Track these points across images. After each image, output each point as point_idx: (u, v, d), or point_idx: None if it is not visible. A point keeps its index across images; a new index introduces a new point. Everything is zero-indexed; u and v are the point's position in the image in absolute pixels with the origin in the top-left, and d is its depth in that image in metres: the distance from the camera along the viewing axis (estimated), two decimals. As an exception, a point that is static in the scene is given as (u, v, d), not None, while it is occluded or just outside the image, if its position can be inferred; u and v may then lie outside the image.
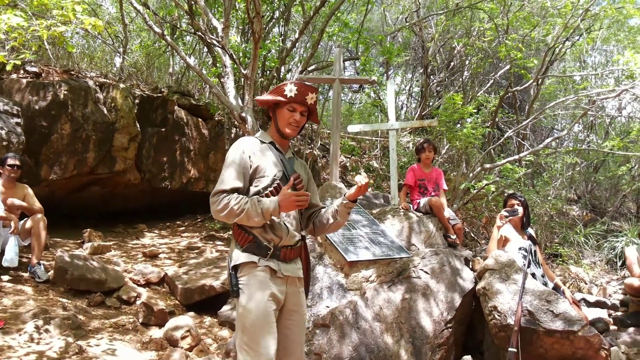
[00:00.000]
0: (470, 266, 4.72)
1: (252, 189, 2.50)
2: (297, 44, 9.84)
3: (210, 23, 7.44)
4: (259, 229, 2.48)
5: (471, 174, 8.10)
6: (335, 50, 6.61)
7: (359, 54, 10.36)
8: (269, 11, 9.51)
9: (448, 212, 5.32)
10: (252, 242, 2.47)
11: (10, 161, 5.01)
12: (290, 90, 2.54)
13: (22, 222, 5.01)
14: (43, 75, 7.16)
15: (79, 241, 6.62)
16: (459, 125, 8.96)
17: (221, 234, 7.94)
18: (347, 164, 10.28)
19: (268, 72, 9.56)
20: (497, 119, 10.57)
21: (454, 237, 5.07)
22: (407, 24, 11.94)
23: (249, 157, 2.53)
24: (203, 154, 8.85)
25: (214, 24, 7.27)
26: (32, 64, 7.24)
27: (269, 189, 2.49)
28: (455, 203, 7.54)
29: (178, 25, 10.06)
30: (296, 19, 11.38)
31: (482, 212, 8.54)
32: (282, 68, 9.86)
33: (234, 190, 2.43)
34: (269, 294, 2.40)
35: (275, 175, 2.52)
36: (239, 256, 2.46)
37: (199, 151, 8.78)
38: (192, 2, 7.69)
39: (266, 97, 2.62)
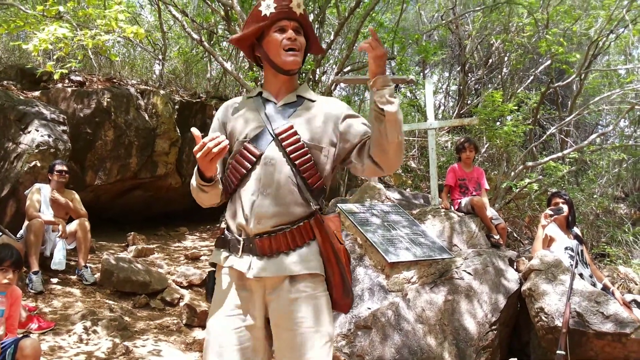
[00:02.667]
0: (515, 267, 4.61)
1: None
2: (332, 46, 9.84)
3: (246, 28, 7.51)
4: (228, 212, 1.88)
5: (513, 173, 7.93)
6: (372, 51, 6.58)
7: (395, 53, 10.28)
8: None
9: (490, 212, 5.22)
10: (222, 233, 1.90)
11: (58, 167, 5.17)
12: (267, 6, 1.86)
13: (68, 225, 5.17)
14: (87, 83, 7.39)
15: (123, 244, 6.79)
16: (499, 123, 8.78)
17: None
18: (385, 165, 10.20)
19: (304, 74, 9.60)
20: (538, 116, 10.30)
21: (497, 237, 4.96)
22: (443, 22, 11.78)
23: (224, 124, 1.96)
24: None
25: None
26: (77, 73, 7.48)
27: (235, 156, 1.85)
28: (497, 202, 7.39)
29: (215, 31, 10.21)
30: (331, 20, 11.38)
31: (525, 212, 8.33)
32: (318, 70, 9.87)
33: None
34: (232, 307, 1.77)
35: (245, 136, 1.85)
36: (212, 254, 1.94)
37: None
38: (229, 8, 7.79)
39: (241, 33, 1.96)
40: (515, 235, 8.07)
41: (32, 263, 4.60)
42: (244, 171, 1.81)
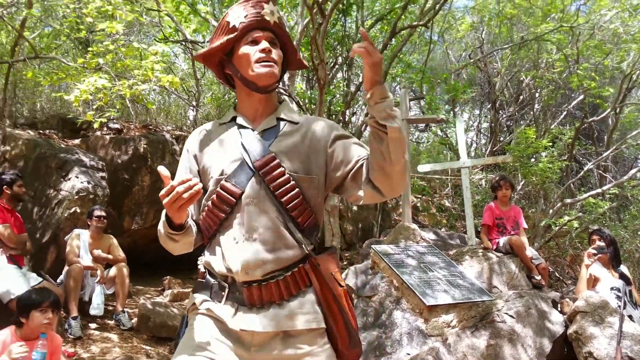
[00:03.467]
0: (559, 309, 4.43)
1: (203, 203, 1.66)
2: (361, 87, 9.95)
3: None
4: (211, 257, 1.62)
5: (551, 210, 7.74)
6: (401, 92, 6.63)
7: (424, 93, 10.33)
8: (332, 57, 9.73)
9: (530, 252, 5.07)
10: (202, 277, 1.65)
11: (97, 213, 5.28)
12: (235, 16, 1.61)
13: (106, 271, 5.24)
14: (124, 131, 7.63)
15: (159, 288, 6.83)
16: (533, 159, 8.65)
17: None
18: (418, 204, 10.11)
19: (334, 116, 9.71)
20: (574, 152, 10.11)
21: (538, 277, 4.81)
22: (472, 60, 11.83)
23: (195, 156, 1.70)
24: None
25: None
26: (115, 121, 7.74)
27: (212, 197, 1.59)
28: (537, 241, 7.19)
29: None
30: (359, 63, 11.56)
31: (566, 250, 8.07)
32: (347, 111, 9.98)
33: None
34: (202, 348, 1.49)
35: (221, 173, 1.59)
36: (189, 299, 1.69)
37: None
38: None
39: (207, 48, 1.69)
40: (557, 275, 7.80)
41: (72, 308, 4.64)
42: (223, 215, 1.57)
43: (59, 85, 7.60)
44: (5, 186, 4.64)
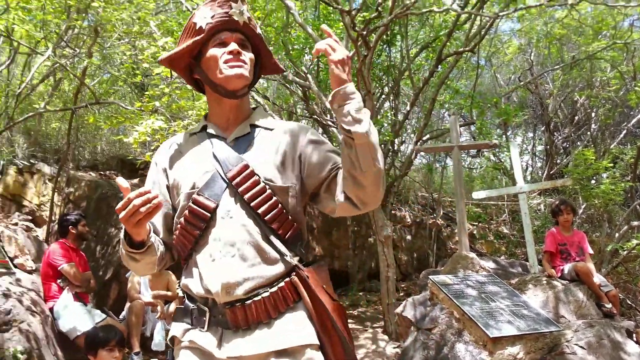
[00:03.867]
0: (635, 339, 4.16)
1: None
2: (409, 116, 9.92)
3: (324, 105, 7.79)
4: (187, 279, 1.51)
5: (617, 234, 7.35)
6: (451, 118, 6.57)
7: (474, 118, 10.18)
8: (378, 88, 9.77)
9: (598, 278, 4.82)
10: (181, 303, 1.55)
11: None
12: (202, 17, 1.50)
13: (166, 306, 5.33)
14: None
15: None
16: (594, 181, 8.29)
17: (350, 311, 7.85)
18: (475, 232, 9.85)
19: (383, 146, 9.68)
20: (638, 172, 9.63)
21: (609, 305, 4.55)
22: (522, 83, 11.61)
23: (164, 169, 1.59)
24: (326, 231, 8.99)
25: (327, 106, 7.60)
26: (170, 160, 7.99)
27: (184, 213, 1.49)
28: (604, 267, 6.82)
29: (295, 111, 10.66)
30: (405, 91, 11.56)
31: (636, 276, 7.61)
32: (396, 140, 9.94)
33: None
34: None
35: (193, 187, 1.49)
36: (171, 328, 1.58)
37: (322, 229, 8.93)
38: (306, 89, 8.14)
39: (172, 51, 1.57)
40: (629, 302, 7.34)
41: (134, 344, 4.73)
42: (198, 231, 1.46)
43: (118, 128, 7.96)
44: (70, 226, 4.86)
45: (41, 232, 6.00)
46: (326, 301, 1.43)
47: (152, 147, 6.57)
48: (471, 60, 10.91)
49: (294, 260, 1.45)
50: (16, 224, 5.72)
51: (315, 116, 7.87)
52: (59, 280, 4.60)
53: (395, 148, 9.92)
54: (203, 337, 1.43)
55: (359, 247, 8.56)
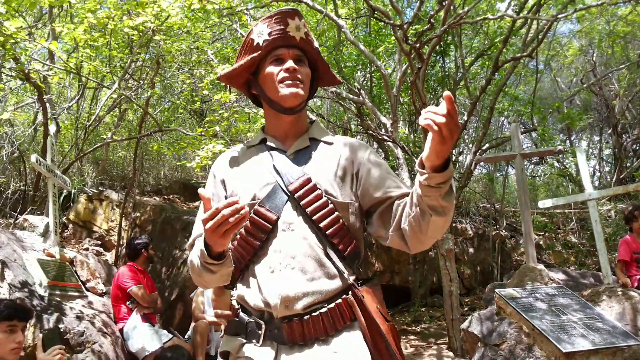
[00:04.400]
0: None
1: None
2: (466, 125, 9.73)
3: (378, 120, 7.77)
4: (243, 292, 1.50)
5: (699, 240, 6.84)
6: (512, 126, 6.37)
7: (535, 124, 9.85)
8: (433, 99, 9.66)
9: (679, 288, 4.50)
10: (236, 315, 1.53)
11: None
12: (259, 33, 1.50)
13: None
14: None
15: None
16: (670, 184, 7.78)
17: (413, 327, 7.69)
18: (541, 242, 9.46)
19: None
20: None
21: (695, 317, 4.22)
22: (584, 85, 11.15)
23: (222, 181, 1.59)
24: (385, 247, 8.88)
25: (382, 120, 7.57)
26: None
27: (244, 224, 1.47)
28: (686, 276, 6.36)
29: (349, 127, 10.69)
30: (461, 101, 11.36)
31: None
32: (454, 151, 9.75)
33: None
34: None
35: (253, 198, 1.48)
36: (222, 342, 1.57)
37: (381, 244, 8.82)
38: (360, 105, 8.16)
39: (231, 68, 1.59)
40: None
41: (200, 363, 4.84)
42: (258, 243, 1.45)
43: (180, 154, 8.27)
44: (142, 249, 5.06)
45: (110, 256, 6.29)
46: (380, 322, 1.40)
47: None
48: (529, 65, 10.60)
49: (351, 279, 1.44)
50: (87, 249, 6.04)
51: (370, 131, 7.85)
52: (128, 302, 4.79)
53: (453, 159, 9.73)
54: (260, 353, 1.40)
55: (419, 261, 8.40)
